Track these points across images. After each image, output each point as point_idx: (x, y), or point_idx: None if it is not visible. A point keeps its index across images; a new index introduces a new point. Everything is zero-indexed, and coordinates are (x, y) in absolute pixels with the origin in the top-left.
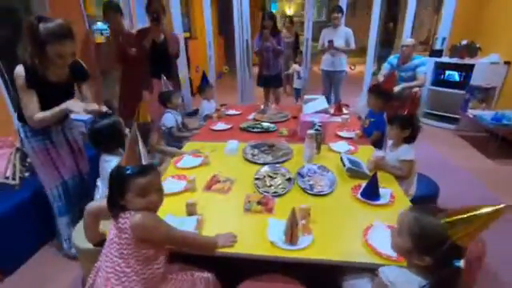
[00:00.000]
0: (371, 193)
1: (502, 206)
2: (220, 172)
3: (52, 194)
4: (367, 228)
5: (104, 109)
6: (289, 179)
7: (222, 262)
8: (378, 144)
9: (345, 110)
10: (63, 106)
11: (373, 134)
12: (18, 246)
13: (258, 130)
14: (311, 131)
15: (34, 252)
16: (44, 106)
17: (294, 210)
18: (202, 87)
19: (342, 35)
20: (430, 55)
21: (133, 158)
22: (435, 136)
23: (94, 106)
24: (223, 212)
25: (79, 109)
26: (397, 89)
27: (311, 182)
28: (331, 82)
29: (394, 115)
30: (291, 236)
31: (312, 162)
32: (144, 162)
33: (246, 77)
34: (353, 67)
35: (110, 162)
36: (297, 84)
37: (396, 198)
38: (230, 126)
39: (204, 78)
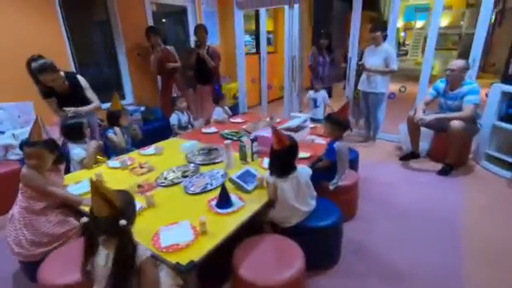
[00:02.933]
0: (220, 201)
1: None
2: (148, 161)
3: None
4: (172, 223)
5: (70, 113)
6: (185, 176)
7: None
8: (328, 172)
9: None
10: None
11: (322, 161)
12: None
13: (232, 137)
14: (228, 141)
15: None
16: (61, 106)
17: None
18: (216, 97)
19: (381, 55)
20: (503, 81)
21: (37, 135)
22: (487, 185)
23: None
24: (119, 186)
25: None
26: (428, 118)
27: (194, 182)
28: (368, 105)
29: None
30: None
31: (232, 168)
32: (45, 138)
33: (292, 91)
34: (402, 89)
35: (72, 150)
36: (313, 113)
37: (244, 209)
38: (216, 131)
39: (218, 89)
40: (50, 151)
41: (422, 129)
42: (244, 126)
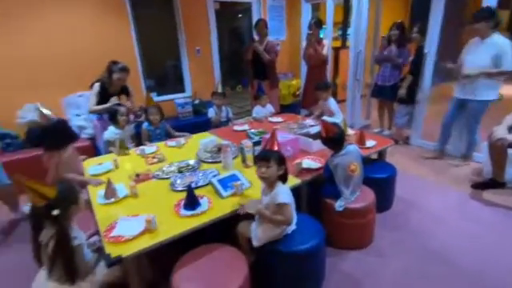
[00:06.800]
0: (185, 202)
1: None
2: (162, 153)
3: None
4: (134, 215)
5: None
6: (180, 172)
7: None
8: (333, 188)
9: (369, 143)
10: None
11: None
12: None
13: (253, 137)
14: (226, 142)
15: None
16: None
17: (109, 180)
18: (257, 95)
19: (488, 50)
20: None
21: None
22: None
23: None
24: (126, 171)
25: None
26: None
27: (182, 179)
28: (455, 114)
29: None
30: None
31: (229, 169)
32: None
33: (356, 92)
34: (500, 95)
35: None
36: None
37: (206, 214)
38: (244, 129)
39: (259, 87)
40: None
41: None
42: (276, 127)
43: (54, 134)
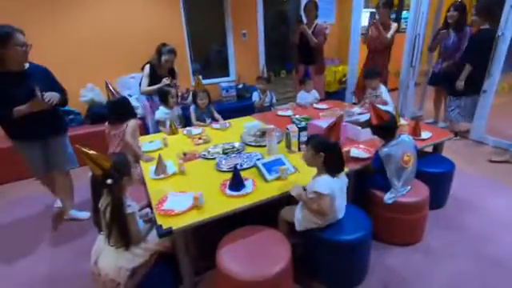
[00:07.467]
0: (231, 183)
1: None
2: (207, 134)
3: None
4: (183, 191)
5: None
6: (225, 153)
7: None
8: (382, 179)
9: (425, 135)
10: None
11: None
12: None
13: (298, 123)
14: (271, 126)
15: None
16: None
17: (160, 156)
18: (303, 80)
19: None
20: None
21: (111, 96)
22: None
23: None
24: (173, 150)
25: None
26: None
27: (227, 161)
28: None
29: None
30: (158, 170)
31: (273, 154)
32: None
33: (409, 79)
34: None
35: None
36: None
37: (250, 195)
38: (287, 115)
39: (306, 72)
40: None
41: None
42: (321, 114)
43: (118, 108)
